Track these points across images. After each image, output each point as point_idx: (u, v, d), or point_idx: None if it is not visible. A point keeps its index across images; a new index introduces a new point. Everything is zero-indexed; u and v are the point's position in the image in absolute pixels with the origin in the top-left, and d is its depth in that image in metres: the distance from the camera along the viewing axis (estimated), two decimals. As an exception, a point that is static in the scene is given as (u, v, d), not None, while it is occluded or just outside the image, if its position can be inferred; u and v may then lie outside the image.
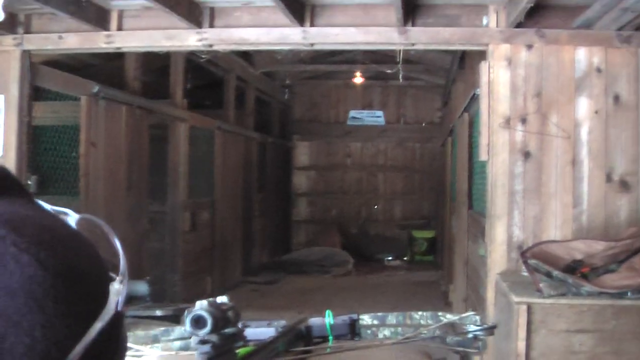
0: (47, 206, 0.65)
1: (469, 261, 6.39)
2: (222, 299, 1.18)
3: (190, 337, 1.98)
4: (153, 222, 7.31)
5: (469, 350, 1.78)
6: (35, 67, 4.86)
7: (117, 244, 0.67)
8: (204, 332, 1.12)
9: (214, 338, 1.13)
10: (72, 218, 0.64)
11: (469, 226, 6.48)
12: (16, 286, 0.54)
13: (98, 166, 5.94)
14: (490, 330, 1.77)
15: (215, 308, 1.13)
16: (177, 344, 1.97)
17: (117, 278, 0.63)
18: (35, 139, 5.22)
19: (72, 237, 0.62)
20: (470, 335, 1.71)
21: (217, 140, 9.16)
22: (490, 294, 4.16)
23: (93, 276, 0.61)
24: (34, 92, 4.87)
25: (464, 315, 1.84)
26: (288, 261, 12.08)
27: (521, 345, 3.32)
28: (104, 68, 7.71)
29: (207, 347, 1.15)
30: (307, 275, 11.27)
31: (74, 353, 0.56)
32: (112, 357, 0.62)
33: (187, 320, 1.11)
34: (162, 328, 1.99)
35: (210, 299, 1.15)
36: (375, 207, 14.29)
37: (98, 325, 0.59)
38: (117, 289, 0.62)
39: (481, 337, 1.71)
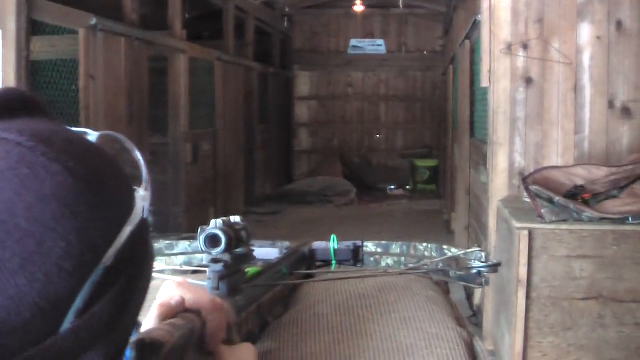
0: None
1: (471, 189, 6.42)
2: (235, 218, 1.19)
3: (194, 253, 2.00)
4: (155, 155, 7.27)
5: (472, 285, 1.79)
6: (32, 0, 4.75)
7: (139, 156, 0.69)
8: (218, 250, 1.12)
9: (226, 257, 1.12)
10: (92, 136, 0.66)
11: (471, 154, 6.48)
12: (48, 193, 0.56)
13: (98, 99, 5.90)
14: (494, 267, 1.78)
15: (229, 227, 1.13)
16: (181, 258, 1.99)
17: (142, 186, 0.66)
18: (34, 74, 5.16)
19: (96, 149, 0.64)
20: (474, 271, 1.72)
21: (217, 72, 9.06)
22: (492, 221, 4.16)
23: (120, 183, 0.63)
24: (32, 26, 4.78)
25: (469, 250, 1.84)
26: (291, 192, 12.10)
27: (522, 271, 3.34)
28: (101, 0, 7.87)
29: (219, 266, 1.14)
30: (310, 205, 11.27)
31: (107, 256, 0.58)
32: (142, 262, 0.64)
33: (202, 239, 1.11)
34: (167, 241, 2.00)
35: (225, 218, 1.16)
36: (378, 135, 14.30)
37: (128, 230, 0.61)
38: (143, 195, 0.65)
39: (485, 273, 1.72)
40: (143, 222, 0.64)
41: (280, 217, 10.35)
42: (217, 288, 1.18)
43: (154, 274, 0.70)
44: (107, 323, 0.59)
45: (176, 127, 7.88)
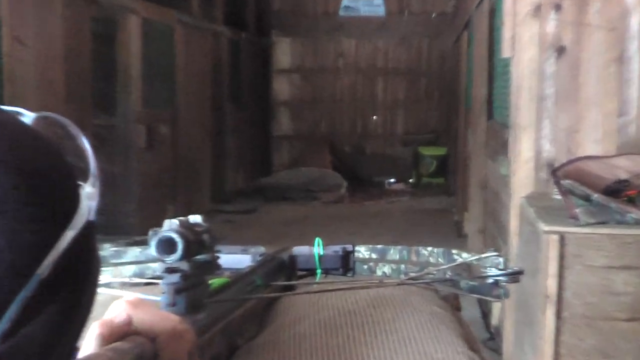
0: None
1: (488, 183, 6.41)
2: (195, 218, 1.16)
3: (147, 262, 1.98)
4: (99, 139, 7.22)
5: (487, 298, 1.76)
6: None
7: (85, 143, 0.67)
8: (173, 258, 1.08)
9: (184, 266, 1.09)
10: (27, 117, 0.64)
11: (488, 140, 6.48)
12: None
13: (27, 69, 5.85)
14: (515, 276, 1.75)
15: (187, 229, 1.10)
16: (131, 268, 1.96)
17: (88, 181, 0.64)
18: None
19: (31, 134, 0.62)
20: (490, 281, 1.70)
21: (178, 37, 9.03)
22: (513, 223, 4.13)
23: (60, 176, 0.61)
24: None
25: (483, 255, 1.82)
26: (268, 186, 12.17)
27: (551, 284, 3.31)
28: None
29: (175, 277, 1.11)
30: (292, 202, 11.36)
31: (43, 266, 0.57)
32: (86, 273, 0.63)
33: (153, 243, 1.08)
34: (114, 247, 1.98)
35: (182, 218, 1.13)
36: (374, 117, 14.34)
37: (70, 234, 0.59)
38: (90, 193, 0.63)
39: (504, 283, 1.70)
40: (89, 226, 0.63)
41: (254, 216, 10.39)
42: (173, 304, 1.15)
43: (99, 289, 0.68)
44: (41, 348, 0.58)
45: (126, 106, 7.84)
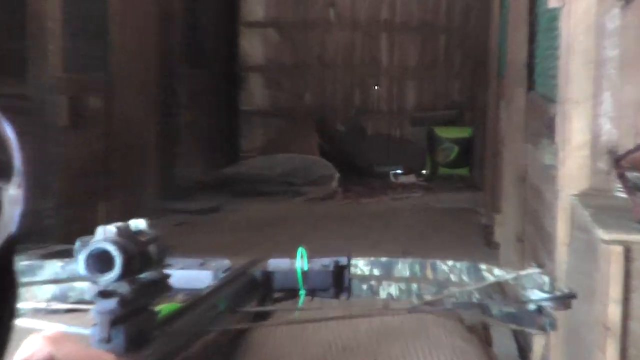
0: None
1: (528, 176, 6.42)
2: (138, 223, 1.14)
3: (72, 281, 1.95)
4: (4, 113, 7.28)
5: (527, 329, 1.75)
6: None
7: (10, 134, 0.68)
8: (108, 278, 1.07)
9: (124, 288, 1.10)
10: None
11: (528, 119, 6.48)
12: None
13: None
14: (565, 300, 1.74)
15: (128, 239, 1.08)
16: (49, 290, 1.92)
17: (12, 181, 0.64)
18: None
19: None
20: (531, 307, 1.68)
21: (113, -23, 9.52)
22: (561, 229, 4.10)
23: None
24: None
25: (522, 272, 1.82)
26: (235, 177, 12.26)
27: (613, 311, 3.30)
28: None
29: (111, 303, 1.09)
30: (266, 199, 11.39)
31: None
32: (4, 294, 0.63)
33: (82, 258, 1.06)
34: (24, 262, 1.95)
35: (121, 224, 1.11)
36: (376, 88, 14.37)
37: None
38: (13, 197, 0.63)
39: (549, 310, 1.69)
40: (10, 240, 0.63)
41: (217, 217, 10.49)
42: (109, 339, 1.13)
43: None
44: None
45: (42, 70, 7.82)
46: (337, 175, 11.93)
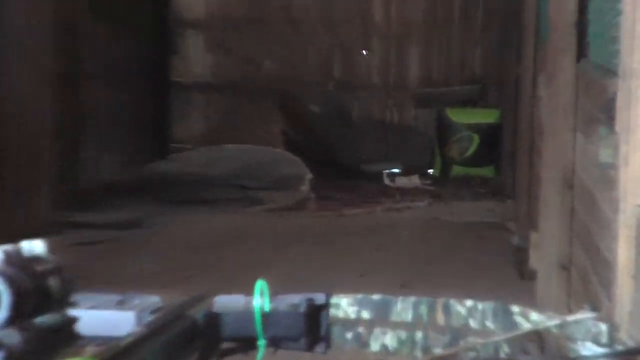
0: None
1: (577, 178, 6.38)
2: (34, 247, 1.13)
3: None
4: None
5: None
6: None
7: None
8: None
9: (12, 337, 1.09)
10: None
11: (578, 99, 6.47)
12: None
13: None
14: (631, 358, 1.72)
15: (18, 268, 1.08)
16: None
17: None
18: None
19: None
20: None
21: None
22: (623, 253, 4.05)
23: None
24: None
25: (570, 318, 1.79)
26: (165, 177, 12.52)
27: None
28: None
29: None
30: (210, 208, 11.83)
31: None
32: None
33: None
34: None
35: (8, 248, 1.10)
36: (365, 53, 14.39)
37: None
38: None
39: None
40: None
41: (140, 234, 10.73)
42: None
43: None
44: None
45: None
46: (309, 175, 11.99)
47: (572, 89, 6.31)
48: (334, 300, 1.78)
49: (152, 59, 13.34)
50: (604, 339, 1.63)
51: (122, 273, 7.85)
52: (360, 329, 1.82)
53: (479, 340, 1.74)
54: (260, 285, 1.74)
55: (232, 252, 9.16)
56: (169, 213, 11.03)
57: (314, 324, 1.81)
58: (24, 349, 1.03)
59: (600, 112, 5.00)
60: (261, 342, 1.76)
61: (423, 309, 1.82)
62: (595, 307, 1.89)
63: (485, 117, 13.10)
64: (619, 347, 1.67)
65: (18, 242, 1.11)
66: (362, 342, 1.81)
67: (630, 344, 1.71)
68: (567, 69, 6.43)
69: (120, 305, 1.74)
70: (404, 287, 5.54)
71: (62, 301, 1.07)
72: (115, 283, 7.46)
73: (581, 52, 6.21)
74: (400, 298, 1.85)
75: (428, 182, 13.17)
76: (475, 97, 13.59)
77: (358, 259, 9.01)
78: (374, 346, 1.81)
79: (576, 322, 1.67)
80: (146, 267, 8.41)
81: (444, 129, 13.23)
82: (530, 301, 6.02)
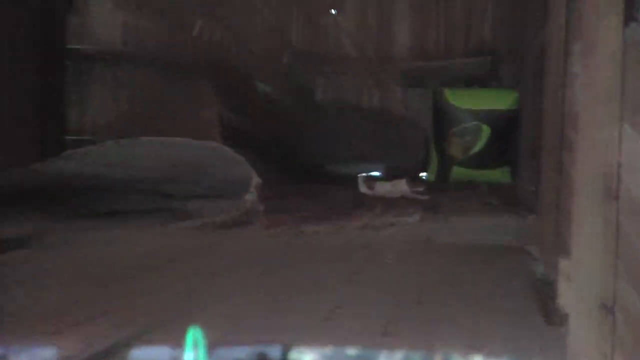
0: None
1: (623, 187, 6.49)
2: None
3: None
4: None
5: None
6: None
7: None
8: None
9: None
10: None
11: (627, 78, 6.59)
12: None
13: None
14: None
15: None
16: None
17: None
18: None
19: None
20: None
21: None
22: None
23: None
24: None
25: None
26: (58, 181, 12.22)
27: None
28: None
29: None
30: (119, 223, 10.56)
31: None
32: None
33: None
34: None
35: None
36: (334, 12, 14.59)
37: None
38: None
39: None
40: None
41: (23, 258, 9.79)
42: None
43: None
44: None
45: None
46: (257, 179, 12.05)
47: (617, 64, 6.35)
48: (293, 355, 1.88)
49: (39, 19, 13.54)
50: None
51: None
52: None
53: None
54: (193, 333, 1.82)
55: (152, 284, 9.05)
56: (63, 230, 10.80)
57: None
58: None
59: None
60: None
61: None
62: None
63: (498, 101, 12.78)
64: None
65: None
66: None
67: None
68: (610, 37, 6.42)
69: None
70: (387, 336, 5.54)
71: None
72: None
73: (631, 15, 6.32)
74: (383, 352, 1.95)
75: (420, 189, 12.86)
76: (484, 74, 13.68)
77: (324, 295, 8.76)
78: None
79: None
80: (34, 305, 8.39)
81: (442, 118, 12.93)
82: (561, 355, 6.10)
